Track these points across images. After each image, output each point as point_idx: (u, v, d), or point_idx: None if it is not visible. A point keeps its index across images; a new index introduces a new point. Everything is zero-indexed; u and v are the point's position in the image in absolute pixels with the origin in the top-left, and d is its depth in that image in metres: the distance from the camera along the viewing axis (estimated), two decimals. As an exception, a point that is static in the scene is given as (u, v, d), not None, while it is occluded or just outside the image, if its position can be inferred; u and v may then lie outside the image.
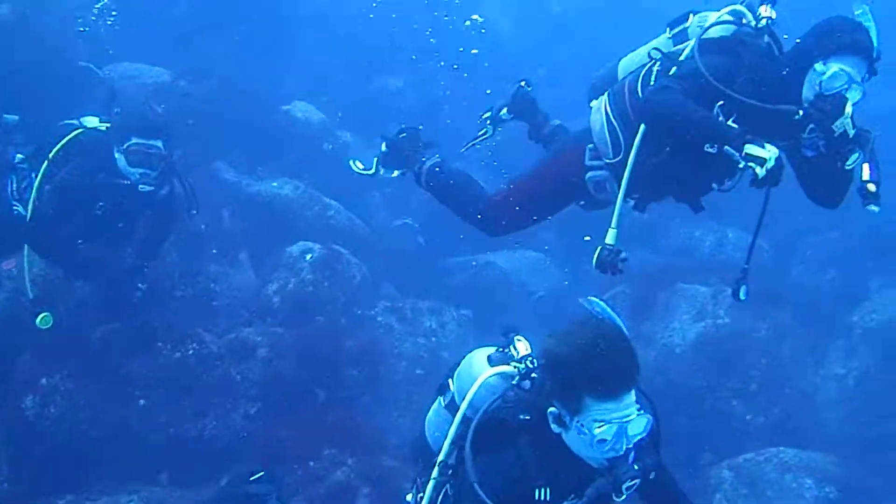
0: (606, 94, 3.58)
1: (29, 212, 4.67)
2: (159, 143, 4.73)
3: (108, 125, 4.88)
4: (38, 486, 4.65)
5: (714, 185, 3.42)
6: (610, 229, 3.40)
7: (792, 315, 7.89)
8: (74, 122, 4.93)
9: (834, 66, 3.00)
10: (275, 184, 7.54)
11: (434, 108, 10.13)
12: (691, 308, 7.46)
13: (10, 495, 4.62)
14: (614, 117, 3.45)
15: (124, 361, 5.03)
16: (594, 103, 3.63)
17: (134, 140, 4.65)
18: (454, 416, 2.60)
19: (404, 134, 4.14)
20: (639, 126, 3.31)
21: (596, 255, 3.38)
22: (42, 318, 4.71)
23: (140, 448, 5.02)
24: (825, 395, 7.55)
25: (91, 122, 4.95)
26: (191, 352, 5.37)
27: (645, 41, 3.75)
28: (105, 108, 5.14)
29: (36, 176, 4.68)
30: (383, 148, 4.20)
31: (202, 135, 7.34)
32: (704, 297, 7.49)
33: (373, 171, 4.26)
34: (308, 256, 6.73)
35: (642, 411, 2.28)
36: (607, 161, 3.48)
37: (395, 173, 4.23)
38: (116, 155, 4.70)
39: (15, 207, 4.78)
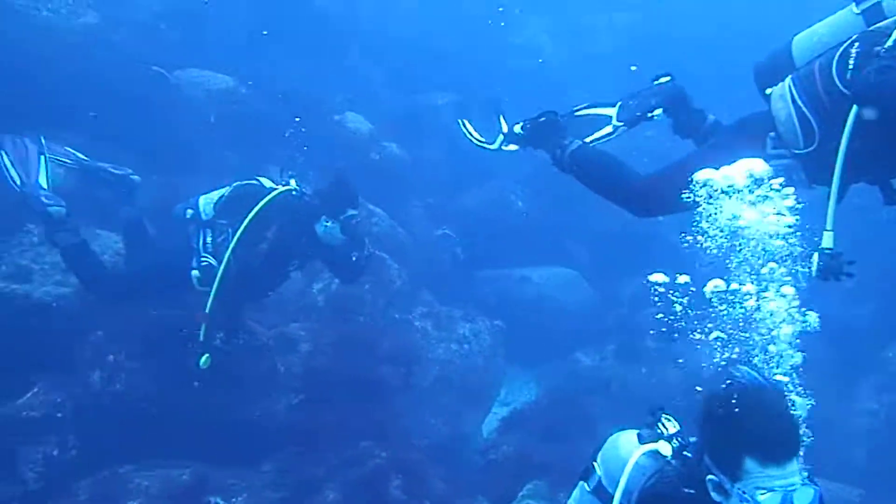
0: (789, 79, 3.21)
1: (223, 265, 5.02)
2: None
3: (295, 190, 5.31)
4: (102, 455, 5.04)
5: None
6: (825, 232, 3.04)
7: (823, 348, 8.01)
8: (254, 182, 5.37)
9: None
10: (323, 190, 7.92)
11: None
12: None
13: (77, 462, 5.00)
14: (804, 104, 3.11)
15: (182, 346, 5.40)
16: (773, 90, 3.26)
17: (350, 212, 5.21)
18: (600, 500, 2.58)
19: (543, 119, 3.97)
20: (835, 112, 2.99)
21: (815, 263, 3.03)
22: (205, 359, 5.05)
23: (192, 428, 5.36)
24: (855, 429, 7.63)
25: (268, 183, 5.38)
26: (241, 341, 5.71)
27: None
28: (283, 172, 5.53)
29: (233, 233, 5.07)
30: (517, 129, 4.03)
31: (258, 139, 7.80)
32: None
33: (495, 146, 4.14)
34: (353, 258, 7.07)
35: (809, 482, 2.20)
36: (796, 151, 3.17)
37: (513, 147, 4.10)
38: (327, 223, 5.20)
39: (205, 259, 5.12)
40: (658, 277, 4.11)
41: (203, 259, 5.14)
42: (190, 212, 5.29)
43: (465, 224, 9.33)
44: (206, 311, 5.02)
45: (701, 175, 3.26)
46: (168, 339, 5.34)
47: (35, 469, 4.78)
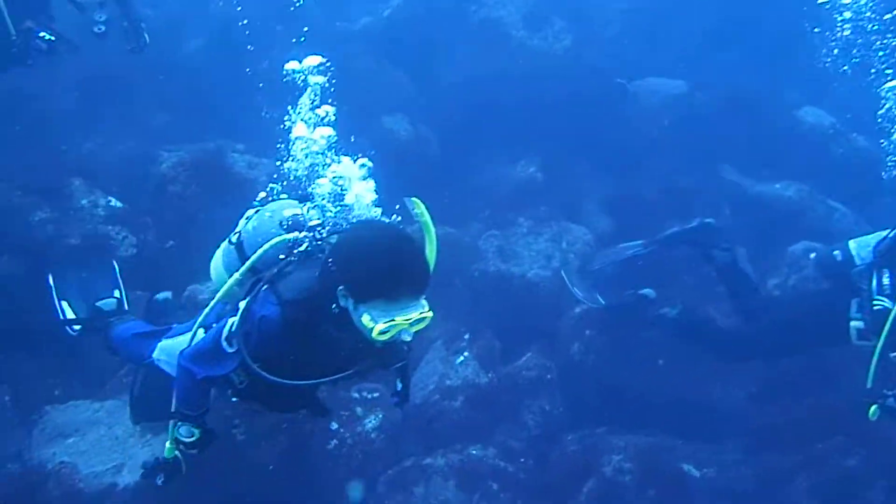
0: None
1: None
2: None
3: None
4: (581, 415, 5.81)
5: None
6: None
7: None
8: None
9: None
10: (778, 185, 7.73)
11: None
12: None
13: (564, 417, 5.83)
14: None
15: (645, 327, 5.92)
16: None
17: None
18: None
19: None
20: None
21: None
22: (873, 409, 4.42)
23: (653, 400, 5.83)
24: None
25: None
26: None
27: None
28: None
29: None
30: None
31: (709, 139, 7.99)
32: None
33: None
34: (812, 255, 6.75)
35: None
36: None
37: None
38: None
39: (877, 303, 4.43)
40: None
41: (875, 302, 4.36)
42: (837, 253, 4.95)
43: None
44: (872, 367, 4.27)
45: None
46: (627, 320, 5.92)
47: (534, 418, 5.74)
